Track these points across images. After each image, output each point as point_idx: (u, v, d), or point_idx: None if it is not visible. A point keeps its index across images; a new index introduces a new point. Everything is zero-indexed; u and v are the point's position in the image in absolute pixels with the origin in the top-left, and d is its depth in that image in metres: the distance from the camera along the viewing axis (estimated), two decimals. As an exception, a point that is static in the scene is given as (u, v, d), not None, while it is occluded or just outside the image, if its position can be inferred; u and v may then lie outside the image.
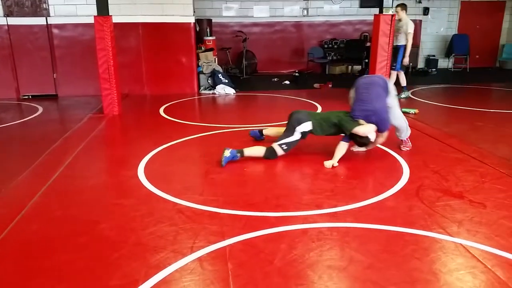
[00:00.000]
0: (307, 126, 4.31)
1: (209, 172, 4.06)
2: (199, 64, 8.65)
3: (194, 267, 2.48)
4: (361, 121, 4.19)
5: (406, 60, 7.38)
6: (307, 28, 11.29)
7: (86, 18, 7.53)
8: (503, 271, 2.42)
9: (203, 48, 9.24)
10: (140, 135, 5.46)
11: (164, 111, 6.79)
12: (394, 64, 7.35)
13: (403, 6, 7.26)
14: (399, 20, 7.21)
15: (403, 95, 7.52)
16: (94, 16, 6.13)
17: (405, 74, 7.73)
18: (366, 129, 4.15)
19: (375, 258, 2.57)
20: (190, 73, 8.42)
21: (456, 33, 11.59)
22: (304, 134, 4.36)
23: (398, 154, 4.48)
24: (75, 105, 7.42)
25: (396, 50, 7.25)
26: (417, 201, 3.38)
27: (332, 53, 11.14)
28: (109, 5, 6.25)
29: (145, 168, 4.13)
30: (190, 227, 2.95)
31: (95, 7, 6.21)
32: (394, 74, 7.44)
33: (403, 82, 7.59)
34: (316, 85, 9.01)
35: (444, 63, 11.73)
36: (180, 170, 4.14)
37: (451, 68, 11.64)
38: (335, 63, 11.04)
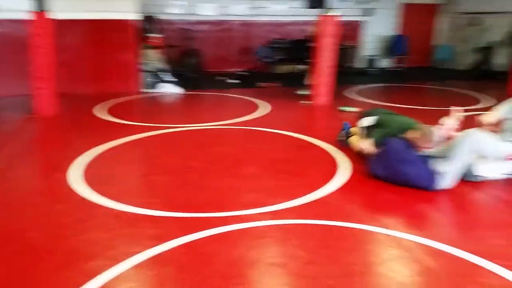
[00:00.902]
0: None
1: (149, 174, 3.96)
2: (144, 62, 8.43)
3: (132, 273, 2.40)
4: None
5: None
6: (254, 27, 11.35)
7: (21, 13, 7.08)
8: (432, 260, 2.55)
9: (147, 45, 9.00)
10: (77, 136, 5.22)
11: (106, 111, 6.55)
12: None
13: None
14: None
15: (303, 92, 7.65)
16: (31, 11, 5.78)
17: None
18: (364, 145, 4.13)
19: (314, 253, 2.62)
20: (133, 72, 8.19)
21: (396, 34, 12.12)
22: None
23: (338, 150, 4.60)
24: (7, 105, 6.97)
25: None
26: (354, 196, 3.49)
27: (279, 53, 11.26)
28: (47, 0, 5.93)
29: (80, 171, 3.95)
30: (128, 232, 2.85)
31: (31, 1, 5.86)
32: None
33: (308, 81, 7.65)
34: (263, 84, 9.08)
35: (385, 63, 12.23)
36: (118, 172, 4.01)
37: (390, 68, 12.16)
38: (282, 63, 11.18)
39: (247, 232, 2.86)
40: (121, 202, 3.28)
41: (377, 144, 3.95)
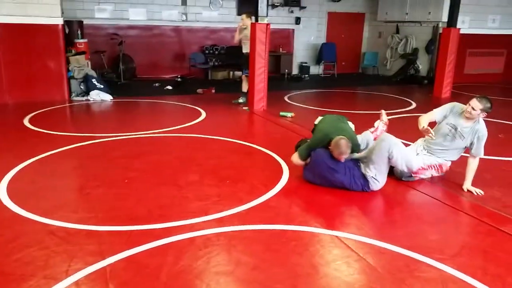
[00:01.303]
0: None
1: (84, 186, 3.75)
2: (70, 68, 7.98)
3: (71, 292, 2.26)
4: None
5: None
6: (187, 33, 11.24)
7: None
8: (373, 257, 2.68)
9: (73, 51, 8.55)
10: (1, 149, 4.82)
11: (30, 121, 6.11)
12: (247, 71, 7.41)
13: (249, 14, 7.35)
14: (245, 28, 7.26)
15: (240, 100, 7.63)
16: None
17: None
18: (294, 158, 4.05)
19: (260, 258, 2.64)
20: (59, 79, 7.72)
21: (325, 41, 12.64)
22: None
23: (278, 155, 4.68)
24: None
25: (248, 57, 7.28)
26: (296, 199, 3.57)
27: (214, 59, 11.25)
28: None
29: (7, 186, 3.65)
30: (64, 249, 2.67)
31: None
32: (245, 79, 7.57)
33: (245, 88, 7.61)
34: (199, 91, 9.00)
35: (315, 70, 12.69)
36: (49, 186, 3.75)
37: (321, 74, 12.65)
38: (217, 69, 11.18)
39: (192, 242, 2.80)
40: (54, 218, 3.07)
41: (301, 156, 3.91)
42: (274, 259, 2.64)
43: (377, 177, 3.65)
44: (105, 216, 3.15)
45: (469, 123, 3.82)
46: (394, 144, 3.65)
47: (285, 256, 2.67)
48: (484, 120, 3.88)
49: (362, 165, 3.72)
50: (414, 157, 3.91)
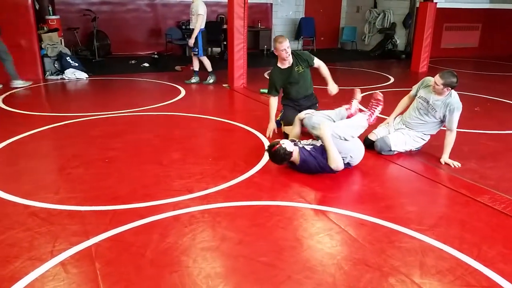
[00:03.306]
0: None
1: (64, 167, 3.69)
2: (43, 46, 7.72)
3: (57, 272, 2.25)
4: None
5: (191, 41, 7.05)
6: (162, 8, 10.96)
7: None
8: (354, 229, 2.76)
9: (46, 28, 8.25)
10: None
11: (4, 101, 5.93)
12: (196, 49, 7.14)
13: None
14: (193, 1, 7.03)
15: (210, 80, 7.41)
16: None
17: (208, 57, 7.49)
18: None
19: (244, 233, 2.68)
20: (32, 57, 7.45)
21: (303, 16, 12.53)
22: None
23: (259, 132, 4.69)
24: None
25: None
26: (279, 175, 3.61)
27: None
28: None
29: (-16, 169, 3.57)
30: (47, 230, 2.65)
31: None
32: (196, 60, 7.33)
33: (209, 67, 7.37)
34: (177, 68, 8.86)
35: (294, 45, 12.61)
36: (29, 168, 3.68)
37: (300, 50, 12.58)
38: (194, 45, 10.97)
39: (177, 220, 2.82)
40: (36, 199, 3.03)
41: (272, 93, 4.59)
42: (258, 234, 2.68)
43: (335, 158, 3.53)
44: (88, 196, 3.13)
45: (441, 97, 3.89)
46: (332, 127, 3.60)
47: (269, 231, 2.72)
48: (460, 94, 3.96)
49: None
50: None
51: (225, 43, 9.92)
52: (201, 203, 3.05)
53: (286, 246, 2.56)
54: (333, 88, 4.64)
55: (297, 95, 4.61)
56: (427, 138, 4.14)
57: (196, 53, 7.21)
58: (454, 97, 3.87)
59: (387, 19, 11.90)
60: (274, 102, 4.55)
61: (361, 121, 3.83)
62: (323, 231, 2.74)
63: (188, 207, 2.98)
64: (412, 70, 9.27)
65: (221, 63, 8.73)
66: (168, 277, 2.24)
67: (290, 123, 4.31)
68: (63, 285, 2.16)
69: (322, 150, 3.56)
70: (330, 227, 2.78)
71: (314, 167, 3.54)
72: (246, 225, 2.78)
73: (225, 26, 10.01)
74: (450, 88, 3.82)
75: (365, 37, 12.56)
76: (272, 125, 4.52)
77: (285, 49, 4.36)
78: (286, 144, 3.52)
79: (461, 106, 3.87)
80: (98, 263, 2.34)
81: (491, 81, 8.44)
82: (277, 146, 3.50)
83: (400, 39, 11.75)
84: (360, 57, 11.58)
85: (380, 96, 3.97)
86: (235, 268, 2.36)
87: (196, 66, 7.43)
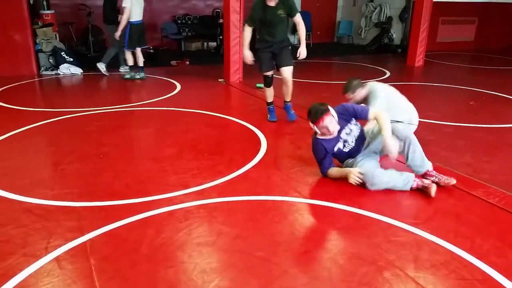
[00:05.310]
0: None
1: (59, 163, 3.68)
2: (37, 41, 7.67)
3: (52, 268, 2.24)
4: None
5: (117, 35, 7.03)
6: (157, 2, 10.89)
7: None
8: (349, 223, 2.76)
9: (40, 23, 8.19)
10: (-32, 126, 4.65)
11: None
12: (124, 43, 7.11)
13: None
14: None
15: (130, 76, 7.29)
16: None
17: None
18: None
19: (241, 228, 2.68)
20: (26, 52, 7.41)
21: (300, 10, 12.44)
22: None
23: (255, 127, 4.69)
24: None
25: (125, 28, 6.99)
26: (275, 170, 3.60)
27: (187, 29, 10.98)
28: None
29: (-22, 165, 3.55)
30: (42, 226, 2.64)
31: None
32: (129, 53, 7.24)
33: (136, 62, 7.30)
34: (173, 62, 8.82)
35: (291, 39, 12.52)
36: (23, 163, 3.66)
37: (297, 44, 12.53)
38: (190, 40, 10.93)
39: (172, 215, 2.81)
40: (30, 195, 3.01)
41: (251, 22, 4.68)
42: (254, 229, 2.68)
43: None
44: (82, 192, 3.12)
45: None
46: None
47: (265, 226, 2.72)
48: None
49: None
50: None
51: (221, 37, 9.88)
52: (196, 198, 3.05)
53: (282, 240, 2.56)
54: (303, 51, 4.84)
55: (271, 38, 4.75)
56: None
57: (124, 47, 7.15)
58: (373, 89, 3.98)
59: (384, 13, 11.88)
60: (248, 31, 4.69)
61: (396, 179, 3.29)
62: (318, 226, 2.74)
63: (184, 203, 2.97)
64: (408, 64, 9.28)
65: (217, 57, 8.70)
66: (163, 273, 2.24)
67: (265, 68, 4.77)
68: (57, 281, 2.15)
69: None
70: (326, 221, 2.78)
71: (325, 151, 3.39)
72: (243, 220, 2.78)
73: (221, 21, 9.97)
74: (360, 89, 3.96)
75: (361, 31, 12.53)
76: (247, 53, 4.71)
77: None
78: (331, 117, 3.27)
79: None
80: (93, 259, 2.33)
81: (487, 75, 8.44)
82: (326, 108, 3.28)
83: (396, 33, 11.74)
84: (356, 51, 11.56)
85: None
86: (230, 263, 2.36)
87: (130, 61, 7.26)
